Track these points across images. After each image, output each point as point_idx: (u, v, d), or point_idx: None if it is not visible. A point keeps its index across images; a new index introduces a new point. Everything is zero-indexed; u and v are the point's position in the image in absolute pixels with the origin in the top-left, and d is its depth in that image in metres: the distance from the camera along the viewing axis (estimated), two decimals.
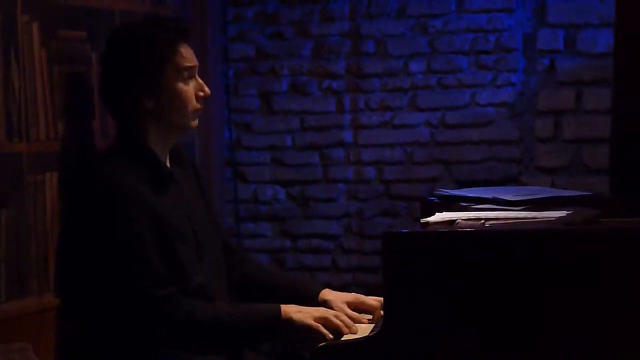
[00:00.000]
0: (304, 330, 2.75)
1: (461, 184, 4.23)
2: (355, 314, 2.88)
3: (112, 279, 2.73)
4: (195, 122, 2.93)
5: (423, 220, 2.87)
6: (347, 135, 4.42)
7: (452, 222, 2.77)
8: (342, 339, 2.70)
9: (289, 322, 2.75)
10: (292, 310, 2.77)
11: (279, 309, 2.77)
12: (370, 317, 2.91)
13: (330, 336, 2.72)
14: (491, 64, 4.24)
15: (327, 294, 3.02)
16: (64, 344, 2.96)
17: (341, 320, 2.77)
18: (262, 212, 4.54)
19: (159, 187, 2.83)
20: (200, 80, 2.92)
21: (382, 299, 2.91)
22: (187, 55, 2.88)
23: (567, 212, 2.78)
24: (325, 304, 2.96)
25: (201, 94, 2.91)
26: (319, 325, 2.74)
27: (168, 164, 2.94)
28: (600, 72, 4.05)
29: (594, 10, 4.10)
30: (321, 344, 2.66)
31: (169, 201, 2.83)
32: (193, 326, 2.73)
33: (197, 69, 2.92)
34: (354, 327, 2.77)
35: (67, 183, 2.97)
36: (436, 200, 3.16)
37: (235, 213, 4.55)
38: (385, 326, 2.57)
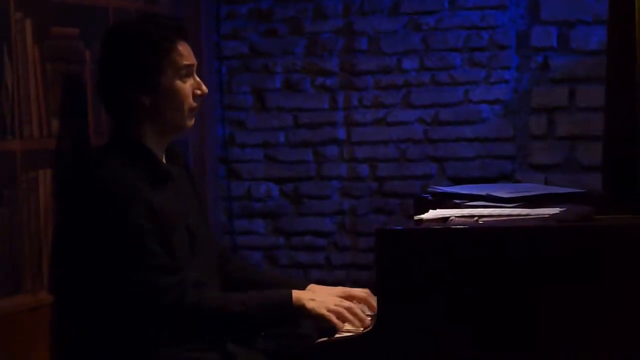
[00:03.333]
0: (316, 319, 2.74)
1: (455, 181, 4.23)
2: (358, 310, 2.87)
3: (114, 273, 2.73)
4: (191, 122, 2.93)
5: (417, 217, 2.88)
6: (341, 133, 4.42)
7: (445, 219, 2.78)
8: (336, 335, 2.71)
9: (302, 309, 2.74)
10: (306, 298, 2.76)
11: (290, 295, 2.76)
12: (370, 313, 2.90)
13: (342, 327, 2.71)
14: (485, 61, 4.24)
15: (313, 288, 3.02)
16: (61, 341, 2.96)
17: (353, 313, 2.76)
18: (256, 209, 4.53)
19: (156, 185, 2.84)
20: (198, 79, 2.93)
21: (368, 290, 2.91)
22: (185, 54, 2.89)
23: (561, 209, 2.79)
24: None
25: (198, 92, 2.92)
26: (332, 315, 2.73)
27: (164, 162, 2.94)
28: (594, 69, 4.05)
29: (587, 7, 4.10)
30: (317, 341, 2.66)
31: (166, 198, 2.84)
32: (200, 314, 2.72)
33: (195, 67, 2.93)
34: (367, 321, 2.76)
35: (63, 181, 2.97)
36: (430, 198, 3.16)
37: (228, 210, 4.55)
38: (379, 323, 2.58)
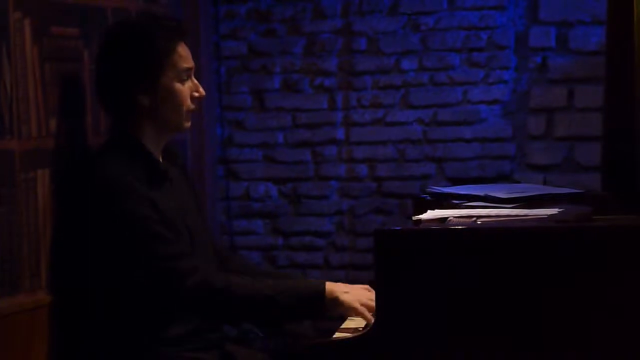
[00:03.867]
0: (348, 311, 2.77)
1: (453, 182, 4.23)
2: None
3: (131, 267, 2.74)
4: (188, 123, 2.95)
5: (415, 217, 2.88)
6: (339, 133, 4.42)
7: (444, 220, 2.77)
8: (335, 335, 2.71)
9: (335, 301, 2.76)
10: (339, 290, 2.77)
11: (323, 286, 2.78)
12: None
13: (372, 321, 2.72)
14: (483, 62, 4.25)
15: None
16: (60, 341, 2.96)
17: None
18: (254, 209, 4.53)
19: (155, 184, 2.84)
20: (196, 81, 2.94)
21: (367, 286, 2.92)
22: (186, 56, 2.90)
23: (559, 210, 2.78)
24: None
25: (196, 94, 2.93)
26: (365, 310, 2.76)
27: (161, 161, 2.95)
28: (592, 69, 4.05)
29: (585, 7, 4.10)
30: (316, 341, 2.66)
31: (163, 198, 2.84)
32: (229, 297, 2.74)
33: (193, 69, 2.94)
34: None
35: (64, 181, 2.97)
36: (428, 198, 3.16)
37: (227, 210, 4.55)
38: (378, 323, 2.57)
